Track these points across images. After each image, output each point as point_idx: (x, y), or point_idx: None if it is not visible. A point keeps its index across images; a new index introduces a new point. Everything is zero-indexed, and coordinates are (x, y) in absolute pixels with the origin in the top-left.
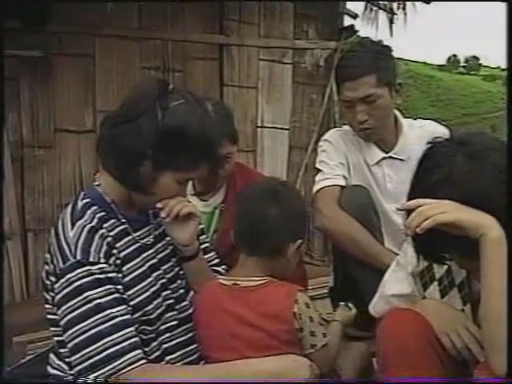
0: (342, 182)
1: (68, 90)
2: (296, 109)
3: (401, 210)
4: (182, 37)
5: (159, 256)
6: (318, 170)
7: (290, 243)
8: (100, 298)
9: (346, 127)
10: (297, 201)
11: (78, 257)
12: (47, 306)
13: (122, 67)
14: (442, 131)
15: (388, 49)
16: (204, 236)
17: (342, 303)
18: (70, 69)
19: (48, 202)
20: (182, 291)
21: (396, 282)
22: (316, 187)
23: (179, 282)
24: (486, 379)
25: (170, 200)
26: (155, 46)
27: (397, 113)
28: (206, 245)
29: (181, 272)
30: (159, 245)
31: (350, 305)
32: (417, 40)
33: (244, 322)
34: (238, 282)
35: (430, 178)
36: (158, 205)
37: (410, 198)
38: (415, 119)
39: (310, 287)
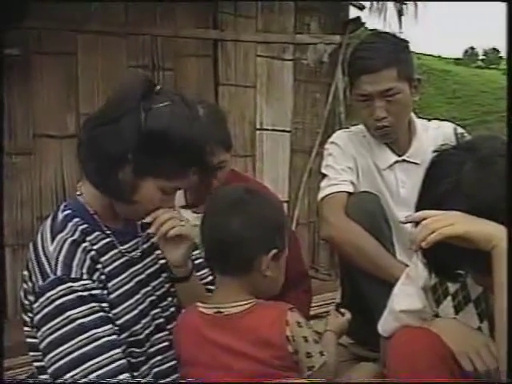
0: (350, 188)
1: (48, 91)
2: (298, 109)
3: (405, 223)
4: (173, 32)
5: (148, 271)
6: (324, 176)
7: (262, 255)
8: (83, 317)
9: (355, 128)
10: (266, 208)
11: (59, 273)
12: (26, 328)
13: (107, 66)
14: (458, 134)
15: (405, 42)
16: (197, 251)
17: (332, 309)
18: (50, 68)
19: (27, 214)
20: (172, 309)
21: (405, 297)
22: (321, 194)
23: (170, 299)
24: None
25: (160, 215)
26: (143, 42)
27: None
28: (200, 261)
29: (172, 289)
30: (148, 259)
31: (343, 310)
32: (429, 32)
33: (234, 353)
34: (221, 310)
35: (437, 188)
36: (148, 219)
37: (417, 210)
38: (430, 120)
39: (315, 304)
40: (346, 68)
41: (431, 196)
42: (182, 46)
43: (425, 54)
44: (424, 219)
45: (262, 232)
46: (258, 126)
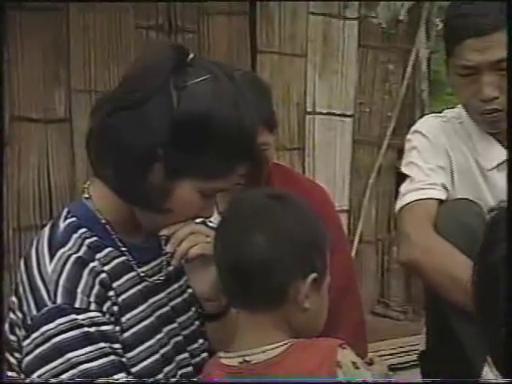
0: (442, 195)
1: (31, 60)
2: (364, 86)
3: None
4: None
5: (173, 303)
6: (405, 177)
7: (299, 281)
8: (89, 361)
9: (449, 112)
10: (298, 217)
11: (59, 301)
12: (11, 373)
13: (108, 27)
14: None
15: None
16: None
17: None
18: (33, 30)
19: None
20: (204, 355)
21: None
22: (401, 202)
23: (201, 341)
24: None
25: (179, 228)
26: None
27: None
28: None
29: (204, 328)
30: (175, 286)
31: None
32: None
33: None
34: (247, 358)
35: (492, 255)
36: (163, 232)
37: (473, 281)
38: None
39: (387, 352)
40: (431, 29)
41: (484, 264)
42: (208, 2)
43: None
44: None
45: (295, 250)
46: (308, 109)
